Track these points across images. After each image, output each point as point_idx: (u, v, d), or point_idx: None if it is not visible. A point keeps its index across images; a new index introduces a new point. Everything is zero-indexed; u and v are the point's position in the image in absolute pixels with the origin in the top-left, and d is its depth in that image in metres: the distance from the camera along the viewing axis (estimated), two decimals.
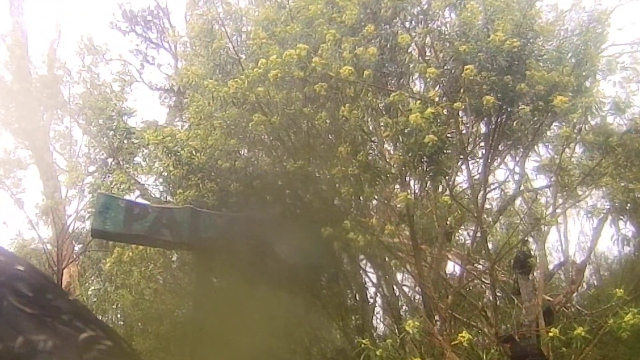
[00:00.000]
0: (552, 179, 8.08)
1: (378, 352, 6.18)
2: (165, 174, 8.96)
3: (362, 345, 6.30)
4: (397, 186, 8.21)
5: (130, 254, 9.08)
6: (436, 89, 7.02)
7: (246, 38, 8.34)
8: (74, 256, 12.13)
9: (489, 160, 7.64)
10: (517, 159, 8.32)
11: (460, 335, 6.29)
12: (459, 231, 9.72)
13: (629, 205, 7.78)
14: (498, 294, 8.61)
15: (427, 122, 6.24)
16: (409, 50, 7.41)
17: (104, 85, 13.57)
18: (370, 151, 7.80)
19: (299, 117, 7.34)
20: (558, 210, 8.51)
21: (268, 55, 6.91)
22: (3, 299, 0.87)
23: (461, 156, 7.37)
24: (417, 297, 9.13)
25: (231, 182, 8.24)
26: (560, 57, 7.10)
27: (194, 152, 8.36)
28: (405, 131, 6.52)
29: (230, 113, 7.78)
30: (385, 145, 8.12)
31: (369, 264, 8.92)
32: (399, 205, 7.67)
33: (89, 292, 12.13)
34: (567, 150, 7.84)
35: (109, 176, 11.58)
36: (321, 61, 6.60)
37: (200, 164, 8.30)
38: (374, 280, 8.99)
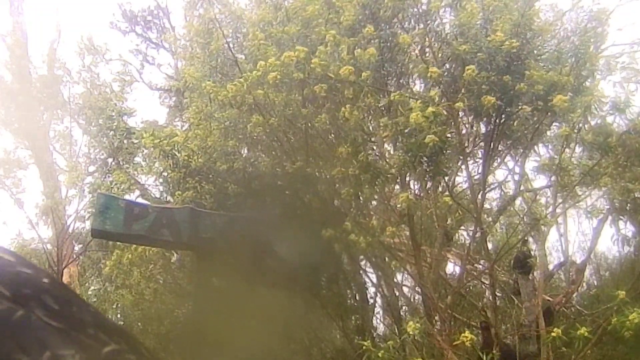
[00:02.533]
0: (552, 179, 8.08)
1: (380, 354, 6.17)
2: (165, 174, 8.96)
3: (364, 347, 6.29)
4: (397, 186, 8.21)
5: (130, 255, 9.07)
6: (436, 89, 7.00)
7: (244, 39, 8.34)
8: (74, 256, 12.12)
9: (489, 161, 7.64)
10: (517, 159, 8.32)
11: (463, 335, 6.28)
12: (459, 231, 9.73)
13: (628, 205, 7.78)
14: (498, 294, 8.61)
15: (427, 122, 6.23)
16: (408, 50, 7.40)
17: (104, 85, 13.56)
18: (370, 151, 7.79)
19: (298, 118, 7.33)
20: (558, 210, 8.51)
21: (266, 57, 6.90)
22: (30, 312, 0.87)
23: (460, 156, 7.37)
24: (417, 297, 9.13)
25: (229, 184, 8.23)
26: (559, 56, 7.10)
27: (191, 155, 8.35)
28: (405, 131, 6.52)
29: (230, 114, 7.78)
30: (386, 146, 8.12)
31: (368, 264, 8.91)
32: (399, 205, 7.66)
33: (89, 292, 12.14)
34: (567, 150, 7.83)
35: (109, 176, 11.59)
36: (320, 62, 6.59)
37: (198, 166, 8.29)
38: (374, 281, 8.99)
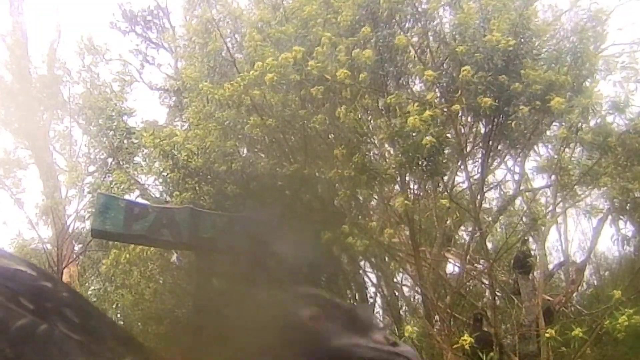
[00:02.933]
0: (552, 179, 8.06)
1: None
2: (165, 173, 8.97)
3: None
4: (396, 186, 8.20)
5: (127, 255, 9.06)
6: (434, 90, 6.98)
7: (242, 40, 8.32)
8: (74, 256, 12.12)
9: (488, 161, 7.63)
10: (517, 158, 8.31)
11: (462, 339, 6.27)
12: (459, 231, 9.72)
13: (628, 205, 7.76)
14: (498, 293, 8.60)
15: (425, 124, 6.22)
16: (408, 50, 7.38)
17: (104, 85, 13.53)
18: (369, 152, 7.78)
19: (296, 119, 7.31)
20: (558, 210, 8.50)
21: (263, 57, 6.88)
22: (53, 325, 0.88)
23: (459, 157, 7.36)
24: (417, 297, 9.13)
25: (228, 185, 8.23)
26: (557, 56, 7.08)
27: (190, 155, 8.35)
28: (402, 133, 6.50)
29: (228, 114, 7.77)
30: (386, 146, 8.11)
31: (368, 265, 8.91)
32: (397, 205, 7.66)
33: (89, 292, 12.14)
34: (567, 150, 7.82)
35: (109, 176, 11.57)
36: (317, 64, 6.56)
37: (197, 167, 8.29)
38: (374, 281, 8.99)
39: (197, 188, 8.45)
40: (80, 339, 0.89)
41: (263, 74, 6.72)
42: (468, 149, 7.63)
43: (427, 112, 6.23)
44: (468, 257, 8.47)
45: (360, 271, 9.05)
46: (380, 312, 10.17)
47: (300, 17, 7.43)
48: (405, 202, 6.83)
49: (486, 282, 8.87)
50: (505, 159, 8.48)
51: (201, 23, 8.43)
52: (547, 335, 6.27)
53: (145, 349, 0.98)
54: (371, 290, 9.45)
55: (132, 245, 9.10)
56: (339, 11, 7.22)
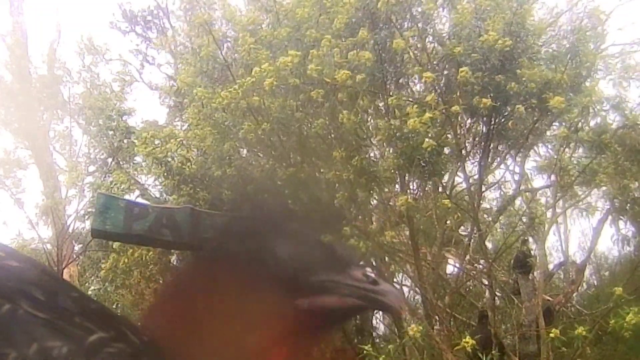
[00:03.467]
0: (552, 179, 8.05)
1: (381, 359, 6.16)
2: (160, 180, 8.95)
3: (364, 351, 6.26)
4: (396, 187, 8.19)
5: (126, 260, 9.05)
6: (432, 92, 6.96)
7: (234, 43, 8.27)
8: (74, 256, 12.10)
9: (488, 161, 7.61)
10: (516, 158, 8.30)
11: (464, 341, 6.23)
12: (459, 231, 9.71)
13: (628, 205, 7.75)
14: (498, 293, 8.60)
15: (425, 126, 6.20)
16: (408, 50, 7.36)
17: (104, 85, 13.55)
18: (369, 154, 7.76)
19: (292, 122, 7.27)
20: (558, 210, 8.49)
21: (258, 61, 6.84)
22: (17, 306, 0.87)
23: (456, 157, 7.34)
24: (417, 297, 9.12)
25: (223, 190, 8.20)
26: (554, 55, 7.07)
27: (184, 162, 8.31)
28: (401, 135, 6.48)
29: (226, 116, 7.74)
30: (386, 146, 8.09)
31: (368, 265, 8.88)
32: (398, 204, 7.64)
33: (89, 292, 12.12)
34: (566, 149, 7.82)
35: (109, 176, 11.58)
36: (316, 67, 6.52)
37: (192, 173, 8.25)
38: None
39: (193, 193, 8.42)
40: (46, 317, 0.87)
41: (261, 79, 6.67)
42: (467, 149, 7.63)
43: (427, 115, 6.20)
44: (468, 257, 8.46)
45: None
46: (380, 312, 10.18)
47: (293, 19, 7.38)
48: (408, 201, 6.80)
49: (486, 282, 8.86)
50: (504, 159, 8.47)
51: (195, 27, 8.40)
52: (551, 335, 6.24)
53: (118, 320, 0.96)
54: None
55: (131, 250, 9.09)
56: (332, 13, 7.18)
